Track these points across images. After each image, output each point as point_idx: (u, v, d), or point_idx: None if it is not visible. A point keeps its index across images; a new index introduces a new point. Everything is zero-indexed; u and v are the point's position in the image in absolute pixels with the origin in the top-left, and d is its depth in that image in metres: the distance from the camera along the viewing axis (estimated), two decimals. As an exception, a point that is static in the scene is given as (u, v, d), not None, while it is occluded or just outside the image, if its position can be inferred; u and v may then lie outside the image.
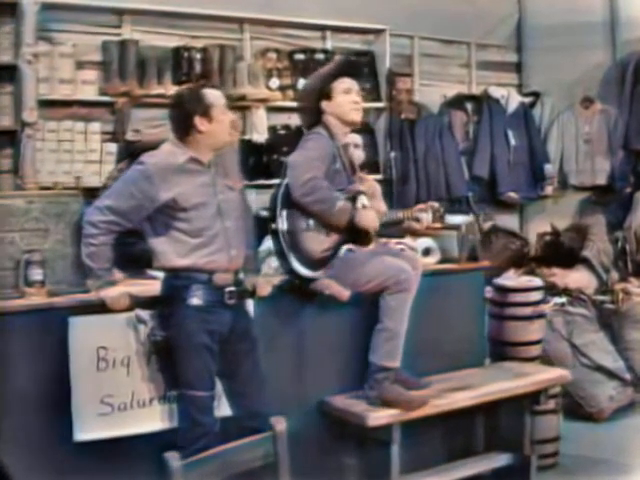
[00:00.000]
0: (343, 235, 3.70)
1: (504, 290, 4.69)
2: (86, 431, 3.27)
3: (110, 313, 3.27)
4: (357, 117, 3.83)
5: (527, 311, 4.64)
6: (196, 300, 3.21)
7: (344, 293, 3.69)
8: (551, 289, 5.90)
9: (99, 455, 3.28)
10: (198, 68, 5.35)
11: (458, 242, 4.35)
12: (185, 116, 3.27)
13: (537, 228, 7.00)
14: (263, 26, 5.79)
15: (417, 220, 3.98)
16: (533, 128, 6.99)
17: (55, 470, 3.23)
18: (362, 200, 3.77)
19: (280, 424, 2.10)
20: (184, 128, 3.29)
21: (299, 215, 3.63)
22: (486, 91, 6.95)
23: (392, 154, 6.14)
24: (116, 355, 3.34)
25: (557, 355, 5.40)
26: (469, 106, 6.87)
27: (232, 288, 3.29)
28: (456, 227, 4.33)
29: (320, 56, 5.85)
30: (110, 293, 3.23)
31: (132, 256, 3.61)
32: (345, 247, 3.71)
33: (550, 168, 6.96)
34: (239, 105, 5.52)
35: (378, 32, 6.16)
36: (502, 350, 4.65)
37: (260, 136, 5.55)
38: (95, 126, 5.11)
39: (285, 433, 2.09)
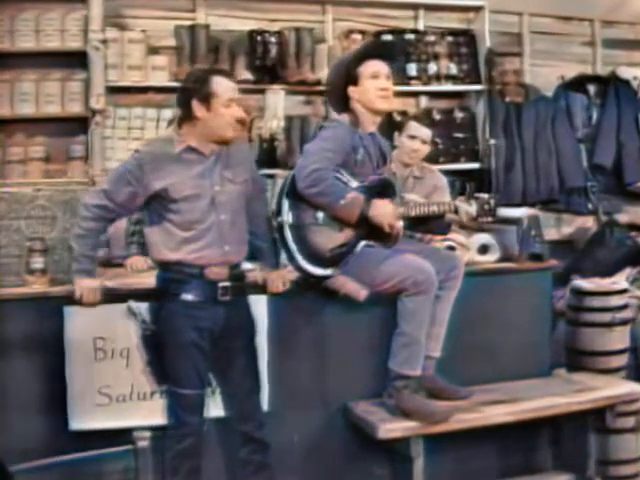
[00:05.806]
0: (359, 230, 3.40)
1: (581, 293, 4.20)
2: (82, 421, 3.23)
3: (106, 304, 3.18)
4: (384, 105, 3.48)
5: (606, 317, 4.14)
6: (187, 295, 3.07)
7: (361, 292, 3.38)
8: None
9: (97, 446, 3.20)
10: (274, 52, 5.16)
11: (518, 238, 3.91)
12: (185, 97, 3.10)
13: (677, 222, 6.29)
14: (348, 6, 5.50)
15: (456, 213, 3.58)
16: (671, 112, 6.28)
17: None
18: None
19: (143, 439, 1.87)
20: (183, 111, 3.12)
21: (306, 208, 3.36)
22: (614, 72, 6.28)
23: (492, 141, 5.67)
24: (115, 346, 3.30)
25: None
26: (592, 88, 6.21)
27: (226, 284, 3.11)
28: (516, 221, 3.90)
29: (410, 37, 5.49)
30: (82, 283, 3.11)
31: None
32: (363, 243, 3.42)
33: (690, 156, 6.22)
34: (317, 90, 5.29)
35: (477, 9, 5.69)
36: (578, 360, 4.21)
37: (338, 122, 5.25)
38: (168, 113, 5.03)
39: (149, 448, 1.85)
